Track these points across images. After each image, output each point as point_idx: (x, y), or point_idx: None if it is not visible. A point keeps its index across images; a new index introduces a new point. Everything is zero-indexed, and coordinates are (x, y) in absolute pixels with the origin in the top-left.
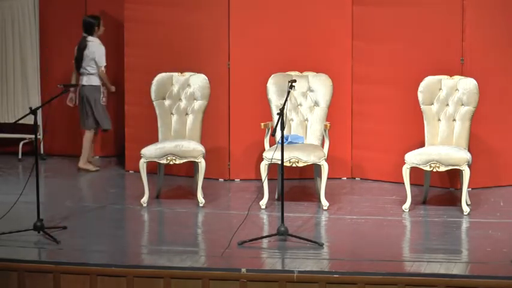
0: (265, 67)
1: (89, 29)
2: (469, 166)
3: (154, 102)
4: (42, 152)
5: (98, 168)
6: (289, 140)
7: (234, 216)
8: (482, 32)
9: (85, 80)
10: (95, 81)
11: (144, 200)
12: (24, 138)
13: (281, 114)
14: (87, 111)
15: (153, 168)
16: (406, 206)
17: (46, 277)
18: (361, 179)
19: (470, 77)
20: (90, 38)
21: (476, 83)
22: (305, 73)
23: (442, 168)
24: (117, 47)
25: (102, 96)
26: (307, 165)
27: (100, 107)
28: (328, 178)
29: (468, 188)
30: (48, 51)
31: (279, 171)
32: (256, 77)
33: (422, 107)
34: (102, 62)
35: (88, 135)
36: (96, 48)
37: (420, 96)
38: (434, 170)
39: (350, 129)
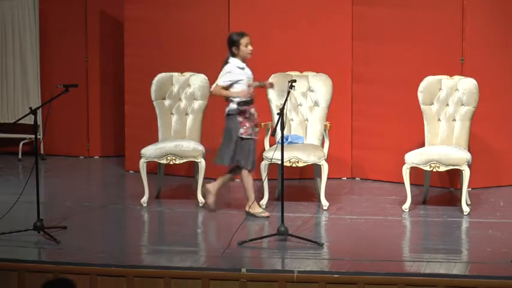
0: (265, 67)
1: (229, 48)
2: (469, 166)
3: (154, 102)
4: (42, 152)
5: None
6: (289, 140)
7: (234, 216)
8: (482, 32)
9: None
10: (230, 108)
11: (144, 200)
12: (24, 138)
13: (281, 114)
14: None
15: (153, 168)
16: (406, 206)
17: (46, 277)
18: (361, 179)
19: (470, 77)
20: (230, 59)
21: (476, 83)
22: (305, 73)
23: (442, 168)
24: (117, 47)
25: (239, 126)
26: (307, 165)
27: (233, 140)
28: (328, 178)
29: (468, 188)
30: (48, 51)
31: (279, 171)
32: (256, 77)
33: (422, 107)
34: (219, 81)
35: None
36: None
37: (420, 96)
38: (434, 170)
39: (350, 129)
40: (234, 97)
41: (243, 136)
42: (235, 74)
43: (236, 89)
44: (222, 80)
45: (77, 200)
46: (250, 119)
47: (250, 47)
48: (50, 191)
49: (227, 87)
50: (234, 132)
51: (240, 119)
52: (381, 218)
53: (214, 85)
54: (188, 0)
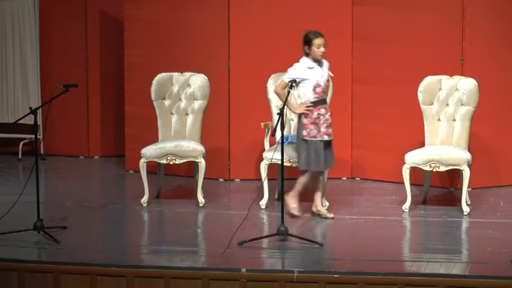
0: (265, 67)
1: (302, 46)
2: (469, 166)
3: (154, 102)
4: (42, 152)
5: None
6: (289, 140)
7: (234, 216)
8: (482, 32)
9: None
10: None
11: (144, 200)
12: (24, 138)
13: (281, 114)
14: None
15: (153, 168)
16: (406, 206)
17: (46, 277)
18: (361, 179)
19: (470, 77)
20: (302, 58)
21: (476, 83)
22: None
23: (442, 168)
24: (117, 47)
25: (303, 128)
26: None
27: (299, 142)
28: (328, 178)
29: (468, 188)
30: (48, 51)
31: (279, 171)
32: (256, 77)
33: (422, 107)
34: (284, 77)
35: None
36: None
37: (420, 96)
38: (434, 170)
39: (350, 129)
40: (294, 108)
41: (306, 138)
42: (301, 73)
43: (303, 88)
44: (287, 75)
45: (77, 200)
46: (317, 121)
47: (322, 49)
48: (50, 191)
49: (297, 84)
50: (299, 134)
51: (304, 121)
52: (381, 218)
53: (280, 81)
54: (188, 0)
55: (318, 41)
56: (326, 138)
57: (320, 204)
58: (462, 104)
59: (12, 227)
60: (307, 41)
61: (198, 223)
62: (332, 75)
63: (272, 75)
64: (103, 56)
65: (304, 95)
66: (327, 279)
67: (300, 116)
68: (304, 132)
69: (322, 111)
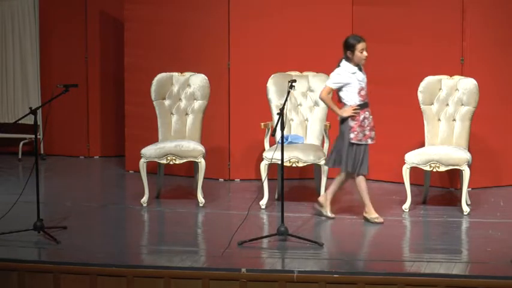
0: (265, 67)
1: (344, 51)
2: (469, 166)
3: (154, 102)
4: (42, 152)
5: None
6: (289, 140)
7: (234, 216)
8: (482, 32)
9: None
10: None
11: (144, 200)
12: (24, 138)
13: (281, 114)
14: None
15: (153, 168)
16: (406, 206)
17: (46, 277)
18: None
19: (470, 77)
20: (341, 62)
21: (476, 83)
22: (305, 73)
23: (442, 168)
24: (117, 47)
25: (350, 131)
26: (307, 165)
27: (345, 144)
28: (328, 178)
29: (468, 188)
30: (48, 51)
31: (279, 171)
32: (256, 77)
33: (422, 107)
34: (328, 82)
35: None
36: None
37: (420, 96)
38: (434, 170)
39: None
40: (339, 112)
41: (353, 141)
42: (344, 77)
43: (347, 92)
44: (331, 81)
45: (77, 200)
46: (363, 124)
47: (365, 53)
48: (50, 191)
49: (337, 90)
50: (345, 136)
51: (351, 123)
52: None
53: (323, 87)
54: (188, 0)
55: (360, 46)
56: (370, 141)
57: (368, 208)
58: (462, 104)
59: (12, 227)
60: (350, 46)
61: (198, 223)
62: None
63: (272, 75)
64: (103, 56)
65: (350, 99)
66: (327, 279)
67: (345, 118)
68: (352, 135)
69: (367, 114)
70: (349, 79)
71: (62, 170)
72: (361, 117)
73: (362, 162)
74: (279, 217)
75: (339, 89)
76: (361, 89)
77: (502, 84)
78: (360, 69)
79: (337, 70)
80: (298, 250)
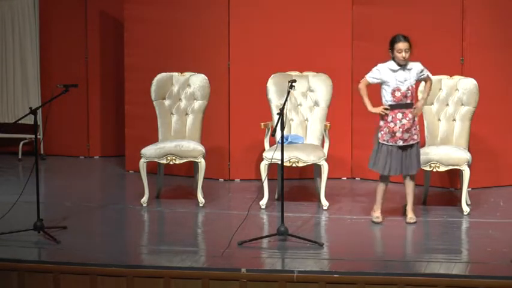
0: (265, 67)
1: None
2: (469, 166)
3: (154, 102)
4: (42, 152)
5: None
6: (289, 140)
7: (234, 216)
8: (482, 32)
9: None
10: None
11: (144, 200)
12: (24, 138)
13: (281, 114)
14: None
15: (153, 168)
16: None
17: (46, 277)
18: (361, 179)
19: (470, 77)
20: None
21: (476, 83)
22: (305, 73)
23: (442, 168)
24: (117, 47)
25: (379, 130)
26: (307, 165)
27: (375, 141)
28: (328, 178)
29: (468, 188)
30: (48, 51)
31: (279, 171)
32: (256, 77)
33: None
34: (367, 75)
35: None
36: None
37: (420, 96)
38: (434, 170)
39: (350, 129)
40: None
41: (379, 141)
42: (382, 74)
43: (384, 90)
44: (369, 75)
45: (77, 200)
46: (390, 125)
47: (403, 54)
48: (50, 191)
49: (377, 85)
50: (376, 135)
51: (381, 122)
52: None
53: (363, 79)
54: (188, 0)
55: (399, 46)
56: (401, 143)
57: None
58: (462, 104)
59: (12, 227)
60: (391, 45)
61: (198, 223)
62: (426, 74)
63: (272, 75)
64: (103, 56)
65: (383, 97)
66: (327, 279)
67: (380, 116)
68: (379, 135)
69: (399, 115)
70: (387, 77)
71: (62, 170)
72: (390, 117)
73: (384, 162)
74: (279, 217)
75: (380, 86)
76: (397, 89)
77: (502, 84)
78: (405, 69)
79: (378, 65)
80: (298, 250)
